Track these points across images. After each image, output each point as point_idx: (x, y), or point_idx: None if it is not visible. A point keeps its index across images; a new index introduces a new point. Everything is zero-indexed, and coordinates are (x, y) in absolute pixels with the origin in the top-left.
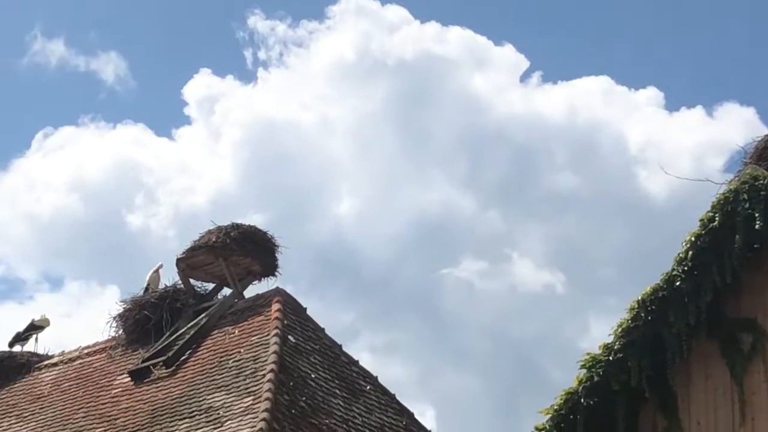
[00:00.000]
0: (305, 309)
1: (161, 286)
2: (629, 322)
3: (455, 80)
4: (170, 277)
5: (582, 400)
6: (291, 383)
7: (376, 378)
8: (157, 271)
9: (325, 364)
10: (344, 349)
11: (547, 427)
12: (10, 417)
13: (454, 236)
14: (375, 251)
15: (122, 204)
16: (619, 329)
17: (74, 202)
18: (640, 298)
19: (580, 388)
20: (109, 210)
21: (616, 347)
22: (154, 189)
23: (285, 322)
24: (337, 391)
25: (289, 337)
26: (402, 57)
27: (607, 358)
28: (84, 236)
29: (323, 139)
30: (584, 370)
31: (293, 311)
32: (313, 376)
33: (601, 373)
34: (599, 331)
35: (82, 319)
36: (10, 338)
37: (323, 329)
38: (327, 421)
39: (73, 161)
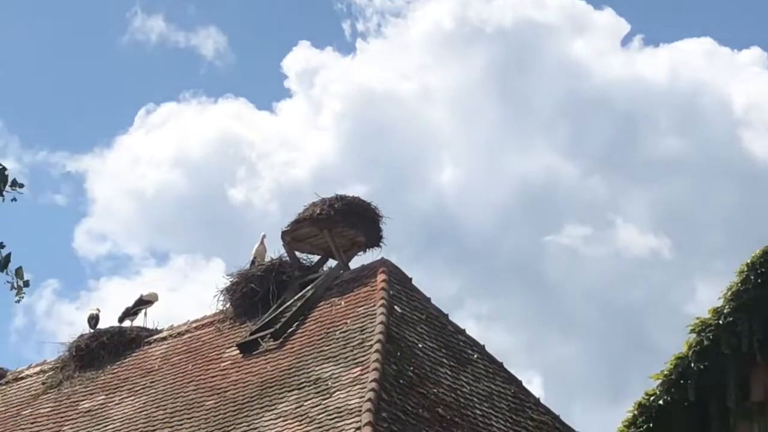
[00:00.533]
0: (410, 279)
1: (267, 259)
2: (739, 285)
3: (555, 46)
4: (275, 250)
5: (692, 364)
6: (398, 353)
7: (483, 347)
8: (262, 243)
9: (432, 334)
10: (450, 318)
11: (658, 393)
12: (121, 391)
13: (557, 203)
14: (478, 220)
15: (224, 178)
16: (729, 293)
17: (177, 178)
18: (749, 260)
19: (690, 352)
20: (211, 185)
21: (725, 311)
22: (255, 163)
23: (391, 292)
24: (445, 360)
25: (396, 307)
26: (501, 24)
27: (716, 322)
28: (187, 211)
29: (423, 108)
30: (694, 335)
31: (399, 281)
32: (420, 345)
33: (711, 337)
34: (706, 295)
35: (188, 293)
36: (119, 314)
37: (429, 299)
38: (435, 390)
39: (176, 137)
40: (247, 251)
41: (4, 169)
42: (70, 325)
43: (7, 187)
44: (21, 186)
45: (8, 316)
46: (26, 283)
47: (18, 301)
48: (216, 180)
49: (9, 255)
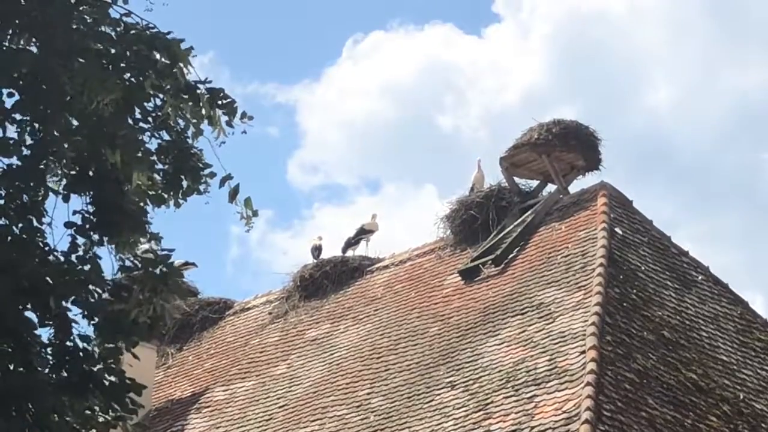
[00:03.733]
0: (631, 202)
1: (485, 185)
2: None
3: None
4: (492, 176)
5: None
6: (621, 276)
7: (707, 268)
8: (479, 170)
9: (655, 256)
10: (672, 240)
11: None
12: (346, 320)
13: None
14: (693, 139)
15: (433, 106)
16: None
17: (386, 107)
18: None
19: None
20: (419, 112)
21: None
22: (464, 89)
23: (611, 215)
24: (669, 283)
25: (617, 230)
26: None
27: None
28: (397, 139)
29: (634, 26)
30: None
31: (619, 204)
32: (642, 268)
33: None
34: None
35: (401, 219)
36: (341, 245)
37: (651, 221)
38: (660, 312)
39: (384, 66)
40: (458, 177)
41: (234, 101)
42: (284, 254)
43: (237, 120)
44: (250, 118)
45: (223, 248)
46: (255, 213)
47: (247, 231)
48: (424, 107)
49: (237, 186)
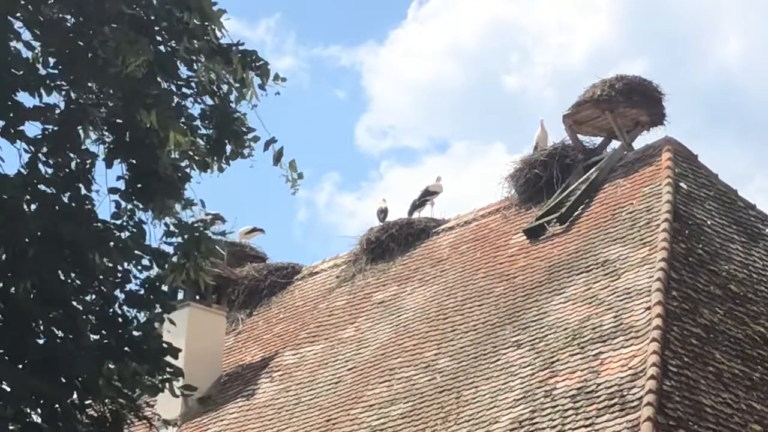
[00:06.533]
0: (696, 156)
1: (549, 144)
2: None
3: None
4: (556, 135)
5: None
6: (686, 231)
7: None
8: (542, 128)
9: (721, 210)
10: (739, 194)
11: None
12: (412, 281)
13: None
14: (765, 92)
15: (499, 65)
16: None
17: (452, 68)
18: None
19: None
20: (485, 73)
21: None
22: (530, 49)
23: (676, 170)
24: (735, 237)
25: (682, 184)
26: None
27: None
28: (464, 100)
29: None
30: None
31: (684, 159)
32: (708, 222)
33: None
34: None
35: (470, 179)
36: (407, 207)
37: (716, 175)
38: (726, 267)
39: (449, 27)
40: (525, 136)
41: (266, 63)
42: (351, 216)
43: (270, 81)
44: (283, 80)
45: (291, 212)
46: (300, 176)
47: (293, 193)
48: (490, 67)
49: (282, 149)
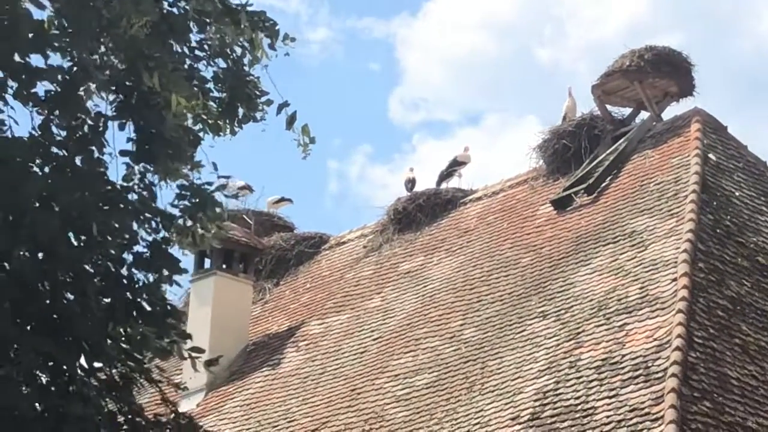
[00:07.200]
0: (726, 127)
1: (578, 114)
2: None
3: None
4: (585, 105)
5: None
6: (714, 203)
7: None
8: (571, 98)
9: (750, 182)
10: None
11: None
12: (439, 252)
13: None
14: None
15: (532, 38)
16: None
17: (485, 41)
18: None
19: None
20: (519, 45)
21: None
22: (563, 21)
23: (705, 141)
24: (764, 208)
25: (710, 156)
26: None
27: None
28: (497, 73)
29: None
30: None
31: (713, 130)
32: (737, 194)
33: None
34: None
35: (502, 151)
36: (436, 178)
37: (746, 146)
38: (755, 239)
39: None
40: (558, 109)
41: (275, 23)
42: (383, 188)
43: (279, 42)
44: (293, 40)
45: (323, 184)
46: (312, 140)
47: (304, 158)
48: (524, 40)
49: (295, 113)
